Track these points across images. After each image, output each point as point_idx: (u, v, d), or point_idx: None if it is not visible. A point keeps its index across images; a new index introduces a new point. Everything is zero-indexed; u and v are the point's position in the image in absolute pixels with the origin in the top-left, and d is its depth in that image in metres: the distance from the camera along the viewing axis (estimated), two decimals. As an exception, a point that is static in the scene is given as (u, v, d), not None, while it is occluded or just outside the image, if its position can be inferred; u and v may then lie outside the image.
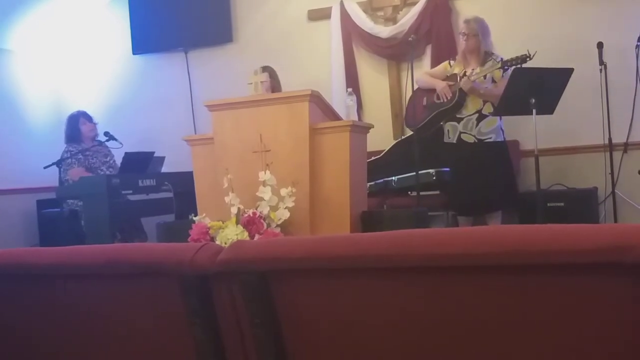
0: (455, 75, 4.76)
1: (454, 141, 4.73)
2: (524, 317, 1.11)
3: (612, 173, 5.05)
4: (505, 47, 4.84)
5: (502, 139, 4.74)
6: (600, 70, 5.00)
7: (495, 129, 4.67)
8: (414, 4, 5.72)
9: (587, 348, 1.10)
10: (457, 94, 4.65)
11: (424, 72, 5.08)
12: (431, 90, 4.77)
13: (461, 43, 4.76)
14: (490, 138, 4.66)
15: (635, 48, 5.00)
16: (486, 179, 4.60)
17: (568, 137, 5.30)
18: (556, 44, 5.28)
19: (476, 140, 4.66)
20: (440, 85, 4.73)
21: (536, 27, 5.39)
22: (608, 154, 5.06)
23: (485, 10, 5.53)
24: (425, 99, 4.79)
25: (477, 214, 4.85)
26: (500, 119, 4.69)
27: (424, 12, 5.63)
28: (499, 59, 4.63)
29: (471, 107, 4.67)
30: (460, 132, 4.69)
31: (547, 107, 4.36)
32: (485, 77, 4.63)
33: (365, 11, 5.91)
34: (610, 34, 5.10)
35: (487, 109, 4.65)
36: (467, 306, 1.14)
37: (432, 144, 4.77)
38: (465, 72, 4.71)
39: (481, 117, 4.65)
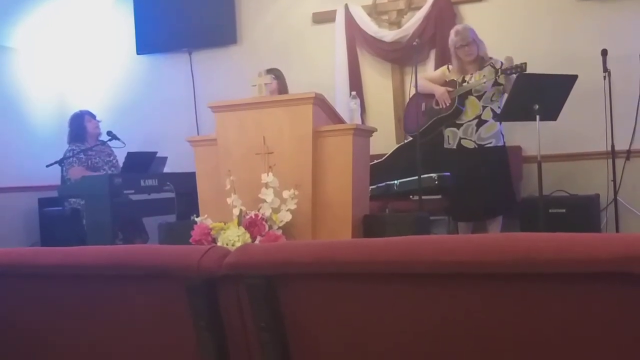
0: (454, 81, 4.74)
1: (454, 147, 4.71)
2: (532, 325, 1.11)
3: (614, 180, 5.05)
4: (507, 53, 4.81)
5: (502, 144, 4.72)
6: (604, 77, 5.00)
7: (496, 133, 4.64)
8: (419, 8, 5.72)
9: (595, 357, 1.10)
10: (456, 101, 4.63)
11: (422, 77, 5.01)
12: (429, 96, 4.73)
13: (461, 55, 4.67)
14: (491, 143, 4.64)
15: (640, 56, 5.01)
16: (486, 184, 4.58)
17: (571, 143, 5.29)
18: (560, 51, 5.29)
19: (476, 146, 4.64)
20: (440, 91, 4.70)
21: (540, 34, 5.39)
22: (610, 161, 5.06)
23: (489, 16, 5.54)
24: (423, 104, 4.76)
25: (477, 220, 4.84)
26: (501, 123, 4.67)
27: (429, 17, 5.63)
28: (498, 63, 4.62)
29: (471, 112, 4.65)
30: (460, 138, 4.68)
31: (551, 113, 4.36)
32: (485, 82, 4.63)
33: (369, 15, 5.91)
34: (615, 42, 5.10)
35: (487, 114, 4.64)
36: (475, 314, 1.14)
37: (432, 149, 4.75)
38: (463, 77, 4.70)
39: (481, 122, 4.63)
